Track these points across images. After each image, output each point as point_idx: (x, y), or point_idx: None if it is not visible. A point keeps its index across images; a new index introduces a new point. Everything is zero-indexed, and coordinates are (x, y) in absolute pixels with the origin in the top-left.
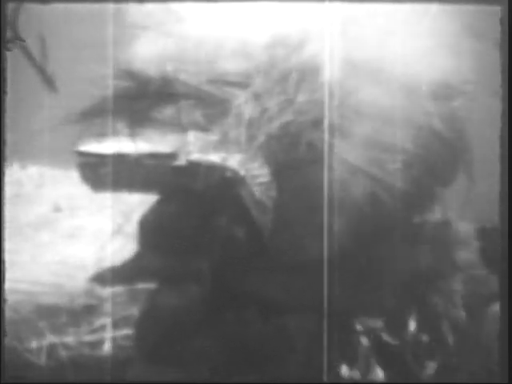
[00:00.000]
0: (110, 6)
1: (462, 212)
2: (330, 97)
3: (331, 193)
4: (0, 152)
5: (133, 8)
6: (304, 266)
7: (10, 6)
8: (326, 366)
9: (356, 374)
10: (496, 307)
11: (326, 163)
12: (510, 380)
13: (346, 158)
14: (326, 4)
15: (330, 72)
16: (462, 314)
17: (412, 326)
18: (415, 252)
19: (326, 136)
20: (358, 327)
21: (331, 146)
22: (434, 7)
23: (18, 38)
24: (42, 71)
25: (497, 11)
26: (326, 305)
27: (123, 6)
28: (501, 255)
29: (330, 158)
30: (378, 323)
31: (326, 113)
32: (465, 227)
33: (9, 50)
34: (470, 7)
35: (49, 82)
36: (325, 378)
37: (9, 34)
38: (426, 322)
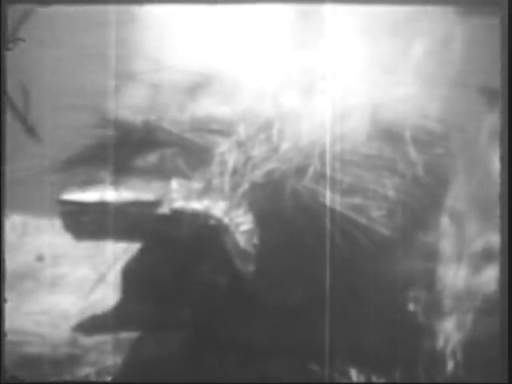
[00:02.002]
0: (96, 54)
1: (446, 258)
2: (315, 145)
3: (320, 240)
4: (0, 152)
5: (117, 56)
6: (286, 312)
7: (20, 9)
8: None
9: None
10: (485, 354)
11: (329, 212)
12: (510, 380)
13: (330, 205)
14: (327, 7)
15: (315, 121)
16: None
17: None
18: (400, 298)
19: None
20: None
21: (316, 193)
22: (419, 47)
23: (18, 38)
24: (23, 120)
25: (497, 11)
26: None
27: (108, 54)
28: (501, 255)
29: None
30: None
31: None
32: (450, 273)
33: (9, 49)
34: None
35: (31, 131)
36: (325, 379)
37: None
38: (416, 364)
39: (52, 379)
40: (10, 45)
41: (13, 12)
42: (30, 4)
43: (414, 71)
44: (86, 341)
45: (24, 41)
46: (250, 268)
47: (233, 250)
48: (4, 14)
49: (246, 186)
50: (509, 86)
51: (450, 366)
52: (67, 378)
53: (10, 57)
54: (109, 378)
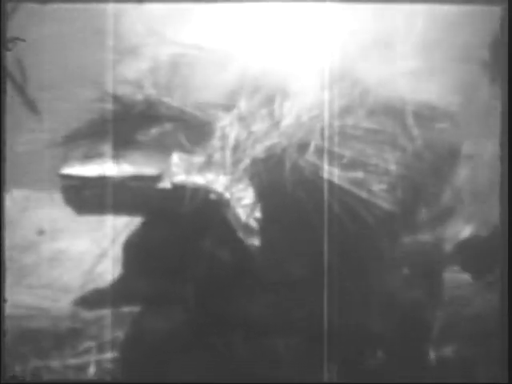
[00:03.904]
0: (98, 29)
1: (447, 232)
2: (316, 119)
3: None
4: (0, 152)
5: (118, 30)
6: (290, 286)
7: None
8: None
9: None
10: (481, 328)
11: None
12: (510, 380)
13: (331, 179)
14: (327, 4)
15: (317, 93)
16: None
17: None
18: (401, 272)
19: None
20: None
21: (317, 168)
22: (420, 23)
23: (17, 38)
24: (22, 93)
25: (497, 11)
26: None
27: (108, 28)
28: (501, 255)
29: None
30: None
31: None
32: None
33: (9, 50)
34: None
35: (30, 103)
36: (324, 378)
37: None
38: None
39: (53, 353)
40: (10, 45)
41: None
42: (31, 3)
43: (416, 45)
44: (87, 315)
45: (24, 40)
46: (253, 242)
47: (235, 224)
48: (4, 14)
49: (247, 160)
50: (509, 87)
51: (451, 341)
52: (68, 351)
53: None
54: (110, 353)
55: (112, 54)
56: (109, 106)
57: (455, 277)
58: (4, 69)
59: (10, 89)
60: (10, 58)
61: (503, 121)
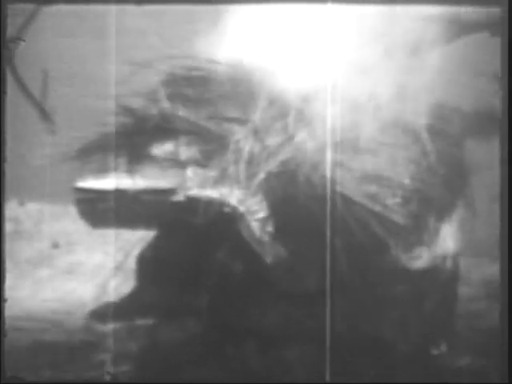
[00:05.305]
0: (112, 43)
1: (461, 246)
2: (330, 133)
3: (332, 227)
4: (0, 153)
5: (133, 44)
6: (303, 299)
7: (28, 8)
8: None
9: None
10: (496, 342)
11: (329, 199)
12: (510, 380)
13: (345, 193)
14: (329, 5)
15: (330, 108)
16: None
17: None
18: (416, 286)
19: (328, 173)
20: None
21: (331, 181)
22: (431, 32)
23: (18, 38)
24: (39, 107)
25: (497, 11)
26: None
27: (125, 42)
28: (501, 256)
29: (332, 193)
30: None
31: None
32: (465, 261)
33: (9, 50)
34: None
35: (46, 117)
36: (327, 378)
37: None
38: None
39: (67, 366)
40: (11, 45)
41: (19, 12)
42: (31, 3)
43: (431, 60)
44: (101, 328)
45: (24, 41)
46: (266, 255)
47: (248, 237)
48: (4, 14)
49: (261, 174)
50: (509, 88)
51: (462, 356)
52: (82, 364)
53: (27, 45)
54: (125, 365)
55: (127, 67)
56: (123, 119)
57: (469, 290)
58: (4, 70)
59: (25, 101)
60: (31, 71)
61: (503, 123)
